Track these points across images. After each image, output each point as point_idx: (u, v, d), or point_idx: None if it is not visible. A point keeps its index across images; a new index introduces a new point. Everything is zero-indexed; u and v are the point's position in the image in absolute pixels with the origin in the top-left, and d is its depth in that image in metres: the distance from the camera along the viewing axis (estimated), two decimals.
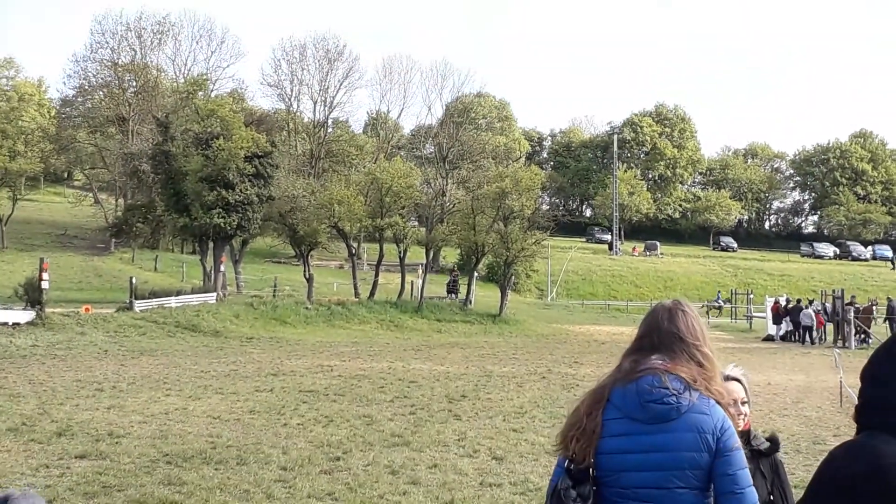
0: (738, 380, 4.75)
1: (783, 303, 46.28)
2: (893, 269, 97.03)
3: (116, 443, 13.40)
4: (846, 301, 42.87)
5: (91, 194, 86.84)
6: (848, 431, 3.77)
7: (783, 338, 43.83)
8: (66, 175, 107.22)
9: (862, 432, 3.49)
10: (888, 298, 47.02)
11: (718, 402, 3.75)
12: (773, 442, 4.71)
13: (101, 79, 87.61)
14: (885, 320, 44.09)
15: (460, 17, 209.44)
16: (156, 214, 59.45)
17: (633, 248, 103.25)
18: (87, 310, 37.30)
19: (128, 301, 39.98)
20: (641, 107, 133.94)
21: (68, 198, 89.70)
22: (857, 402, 3.57)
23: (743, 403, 4.66)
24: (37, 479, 11.09)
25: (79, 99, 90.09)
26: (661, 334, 3.83)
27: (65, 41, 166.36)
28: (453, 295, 54.98)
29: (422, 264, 56.50)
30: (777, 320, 44.70)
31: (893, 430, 3.28)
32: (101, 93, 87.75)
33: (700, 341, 3.84)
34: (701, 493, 3.65)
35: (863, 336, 40.20)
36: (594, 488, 3.72)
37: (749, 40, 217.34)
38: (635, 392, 3.72)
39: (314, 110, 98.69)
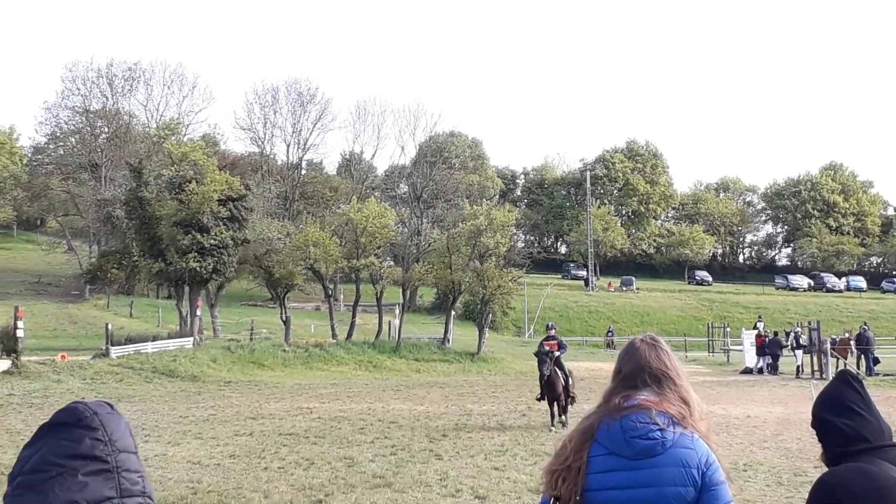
0: None
1: (760, 328, 46.16)
2: None
3: None
4: (843, 334, 43.18)
5: (64, 241, 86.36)
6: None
7: (761, 371, 43.86)
8: (38, 222, 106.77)
9: (844, 460, 3.63)
10: (861, 328, 47.27)
11: (702, 438, 3.79)
12: None
13: (73, 125, 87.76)
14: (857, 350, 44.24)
15: (432, 57, 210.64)
16: (130, 260, 59.11)
17: (609, 284, 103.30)
18: (63, 357, 37.05)
19: (104, 347, 39.73)
20: (613, 143, 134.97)
21: (41, 245, 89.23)
22: (826, 444, 3.75)
23: None
24: None
25: (51, 146, 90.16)
26: (652, 372, 3.87)
27: (36, 89, 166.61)
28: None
29: (399, 304, 56.49)
30: (761, 352, 44.47)
31: (874, 454, 3.49)
32: (73, 139, 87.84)
33: (683, 379, 3.90)
34: None
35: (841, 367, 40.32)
36: None
37: (719, 75, 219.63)
38: (620, 429, 3.74)
39: (287, 153, 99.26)
